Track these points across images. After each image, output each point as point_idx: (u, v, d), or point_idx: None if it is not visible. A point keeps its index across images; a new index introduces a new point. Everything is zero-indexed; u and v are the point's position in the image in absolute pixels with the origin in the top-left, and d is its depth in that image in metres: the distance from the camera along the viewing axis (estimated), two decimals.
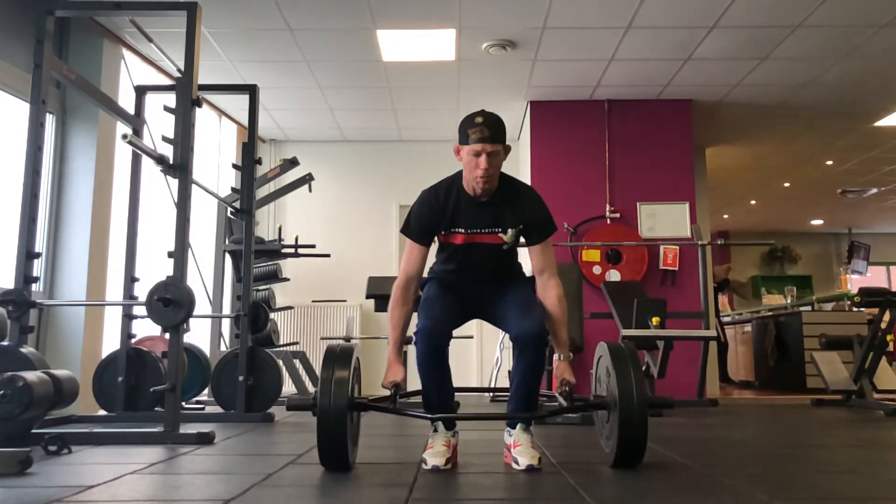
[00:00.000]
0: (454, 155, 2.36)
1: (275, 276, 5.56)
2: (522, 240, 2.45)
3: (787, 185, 9.22)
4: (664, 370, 4.63)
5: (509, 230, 2.37)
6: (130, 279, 3.90)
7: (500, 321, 2.48)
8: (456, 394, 2.46)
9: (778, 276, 12.39)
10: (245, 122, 4.84)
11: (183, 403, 4.13)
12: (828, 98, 6.04)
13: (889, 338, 5.05)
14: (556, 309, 2.38)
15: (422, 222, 2.39)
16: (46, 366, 2.76)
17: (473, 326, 6.74)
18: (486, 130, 2.25)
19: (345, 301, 6.74)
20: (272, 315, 4.95)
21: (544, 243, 2.42)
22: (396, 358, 2.39)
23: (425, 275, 2.53)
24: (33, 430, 2.67)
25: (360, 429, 2.40)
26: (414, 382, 2.47)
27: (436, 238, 2.46)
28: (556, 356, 2.40)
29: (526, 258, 2.49)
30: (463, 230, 2.38)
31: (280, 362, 4.34)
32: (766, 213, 10.92)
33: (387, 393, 2.37)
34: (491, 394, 5.73)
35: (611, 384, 2.22)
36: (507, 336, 2.42)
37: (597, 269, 5.90)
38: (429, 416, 2.31)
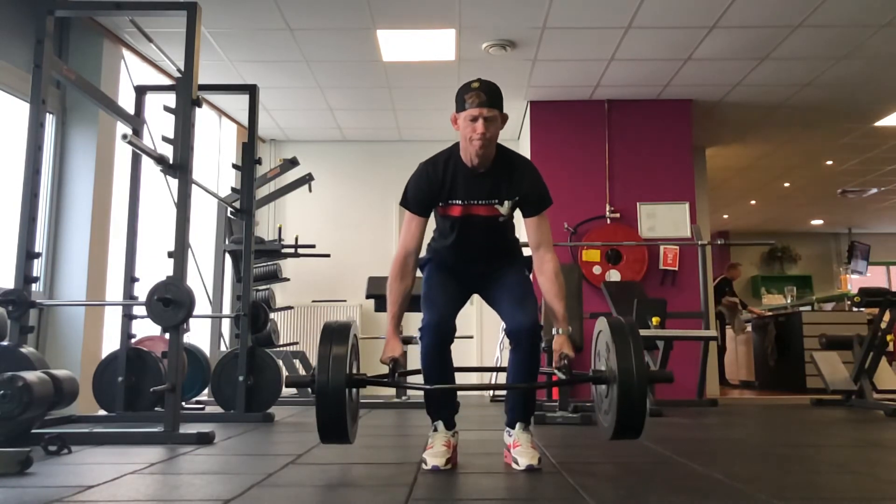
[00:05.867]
0: (451, 125, 2.35)
1: (275, 276, 5.56)
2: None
3: (787, 185, 9.22)
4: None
5: (506, 202, 2.36)
6: (130, 279, 3.90)
7: (495, 306, 2.46)
8: (456, 372, 2.43)
9: (778, 276, 12.38)
10: (245, 122, 4.84)
11: (183, 403, 4.13)
12: (828, 98, 6.04)
13: (889, 338, 5.05)
14: (552, 283, 2.37)
15: (420, 194, 2.38)
16: (46, 366, 2.76)
17: (473, 326, 6.74)
18: (482, 95, 2.25)
19: (345, 301, 6.74)
20: (272, 315, 4.95)
21: (540, 216, 2.41)
22: (395, 333, 2.38)
23: (424, 253, 2.52)
24: (33, 430, 2.67)
25: (359, 405, 2.40)
26: (413, 365, 2.45)
27: (433, 213, 2.45)
28: (554, 329, 2.38)
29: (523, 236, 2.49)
30: (460, 202, 2.36)
31: (280, 362, 4.34)
32: (766, 213, 10.92)
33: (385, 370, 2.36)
34: (491, 394, 5.73)
35: (610, 359, 2.21)
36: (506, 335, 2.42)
37: (597, 269, 5.90)
38: (427, 386, 2.29)
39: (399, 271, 2.39)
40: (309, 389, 2.13)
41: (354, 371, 2.26)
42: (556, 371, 2.34)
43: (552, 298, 2.37)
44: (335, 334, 2.19)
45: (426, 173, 2.38)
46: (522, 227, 2.49)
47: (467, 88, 2.29)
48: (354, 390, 2.30)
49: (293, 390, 5.61)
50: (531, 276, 2.50)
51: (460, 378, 2.44)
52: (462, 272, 2.49)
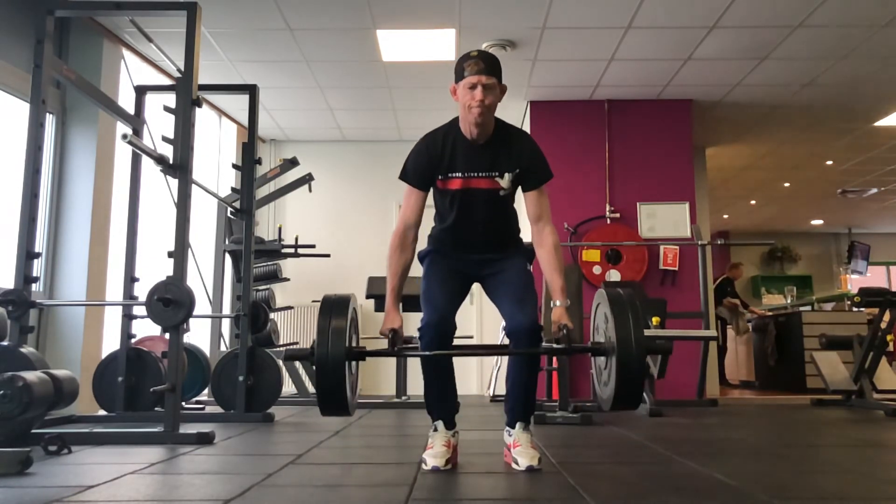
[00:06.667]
0: (451, 96, 2.35)
1: (275, 276, 5.56)
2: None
3: (787, 185, 9.22)
4: (664, 370, 4.63)
5: (506, 174, 2.35)
6: (130, 279, 3.90)
7: (495, 301, 2.45)
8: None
9: (778, 276, 12.38)
10: (245, 122, 4.84)
11: (183, 403, 4.13)
12: (828, 98, 6.04)
13: (889, 338, 5.05)
14: (551, 257, 2.38)
15: (419, 167, 2.38)
16: (46, 366, 2.76)
17: (473, 326, 6.74)
18: (481, 63, 2.27)
19: None
20: (272, 315, 4.95)
21: (540, 191, 2.41)
22: (394, 305, 2.38)
23: (424, 246, 2.51)
24: (33, 430, 2.67)
25: (358, 378, 2.41)
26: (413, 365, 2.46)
27: (433, 195, 2.44)
28: (552, 302, 2.36)
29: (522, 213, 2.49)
30: (460, 174, 2.35)
31: (280, 362, 4.34)
32: (766, 213, 10.92)
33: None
34: (490, 395, 5.74)
35: (608, 329, 2.21)
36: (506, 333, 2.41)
37: (597, 269, 5.90)
38: (427, 353, 2.28)
39: (399, 244, 2.39)
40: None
41: (354, 344, 2.27)
42: (553, 346, 2.34)
43: (551, 272, 2.37)
44: (335, 307, 2.19)
45: (425, 146, 2.39)
46: (525, 221, 2.49)
47: (466, 57, 2.30)
48: (354, 363, 2.30)
49: (293, 390, 5.61)
50: (532, 266, 2.49)
51: (461, 360, 2.44)
52: (463, 261, 2.46)
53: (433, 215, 2.51)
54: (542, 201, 2.42)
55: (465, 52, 2.34)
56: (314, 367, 2.12)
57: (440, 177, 2.37)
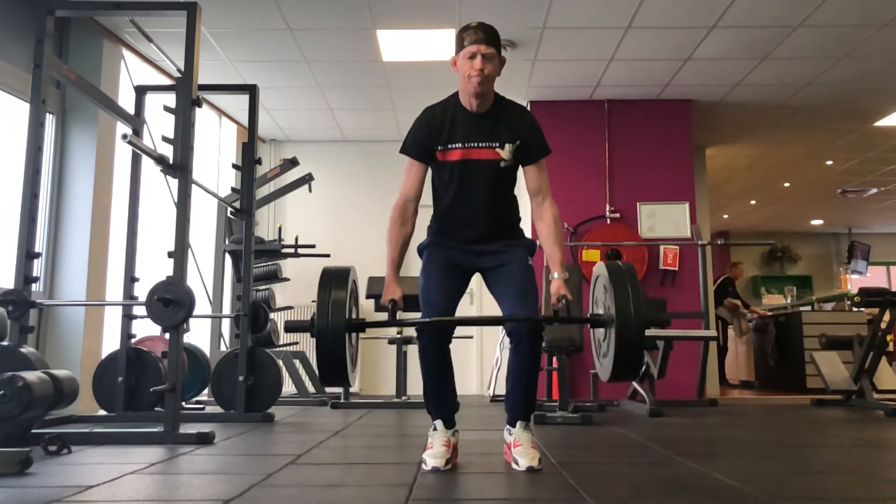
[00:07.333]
0: (451, 67, 2.37)
1: (275, 276, 5.56)
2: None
3: (787, 185, 9.22)
4: (664, 370, 4.63)
5: (507, 145, 2.36)
6: (130, 279, 3.90)
7: (496, 296, 2.44)
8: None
9: (778, 276, 12.38)
10: (245, 122, 4.84)
11: (183, 403, 4.13)
12: (828, 98, 6.04)
13: (889, 338, 5.05)
14: (551, 230, 2.39)
15: (419, 139, 2.39)
16: (46, 366, 2.76)
17: (473, 327, 6.73)
18: (480, 33, 2.30)
19: None
20: (272, 315, 4.95)
21: (539, 165, 2.42)
22: (394, 277, 2.40)
23: (423, 238, 2.50)
24: (33, 430, 2.67)
25: (358, 350, 2.42)
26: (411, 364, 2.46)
27: (431, 176, 2.43)
28: (551, 275, 2.36)
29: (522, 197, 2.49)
30: (460, 144, 2.36)
31: (280, 362, 4.35)
32: (766, 213, 10.92)
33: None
34: (490, 395, 5.74)
35: (607, 300, 2.22)
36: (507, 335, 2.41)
37: None
38: (425, 321, 2.27)
39: (398, 217, 2.43)
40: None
41: (353, 316, 2.28)
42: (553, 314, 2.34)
43: (550, 245, 2.38)
44: (334, 279, 2.19)
45: (425, 117, 2.41)
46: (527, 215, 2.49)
47: (466, 28, 2.33)
48: (353, 335, 2.31)
49: (293, 390, 5.61)
50: (533, 257, 2.50)
51: (461, 360, 2.45)
52: (462, 251, 2.44)
53: (432, 205, 2.50)
54: (542, 175, 2.43)
55: (464, 24, 2.35)
56: (314, 339, 2.13)
57: (440, 147, 2.37)
